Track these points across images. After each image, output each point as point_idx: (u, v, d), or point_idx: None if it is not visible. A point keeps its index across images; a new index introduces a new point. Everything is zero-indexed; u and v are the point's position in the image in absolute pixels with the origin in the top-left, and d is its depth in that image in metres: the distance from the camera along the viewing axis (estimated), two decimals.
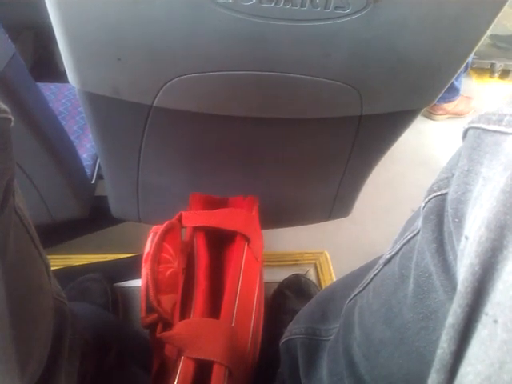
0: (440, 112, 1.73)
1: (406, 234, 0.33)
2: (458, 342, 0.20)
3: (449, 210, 0.25)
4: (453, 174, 0.26)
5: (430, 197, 0.28)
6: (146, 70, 0.48)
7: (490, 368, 0.17)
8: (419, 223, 0.30)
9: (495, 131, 0.22)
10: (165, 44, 0.45)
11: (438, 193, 0.27)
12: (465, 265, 0.20)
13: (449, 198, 0.26)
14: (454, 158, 0.27)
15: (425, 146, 1.62)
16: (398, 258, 0.34)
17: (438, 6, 0.43)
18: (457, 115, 1.75)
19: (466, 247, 0.22)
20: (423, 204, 0.29)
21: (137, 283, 0.79)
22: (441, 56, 0.49)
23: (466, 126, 0.25)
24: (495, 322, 0.18)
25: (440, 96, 0.57)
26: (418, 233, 0.31)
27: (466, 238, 0.22)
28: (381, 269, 0.36)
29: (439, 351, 0.21)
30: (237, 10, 0.41)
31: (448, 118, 1.75)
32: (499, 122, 0.22)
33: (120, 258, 0.83)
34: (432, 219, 0.28)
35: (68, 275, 0.75)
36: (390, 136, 0.67)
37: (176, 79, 0.48)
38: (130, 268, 0.79)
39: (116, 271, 0.79)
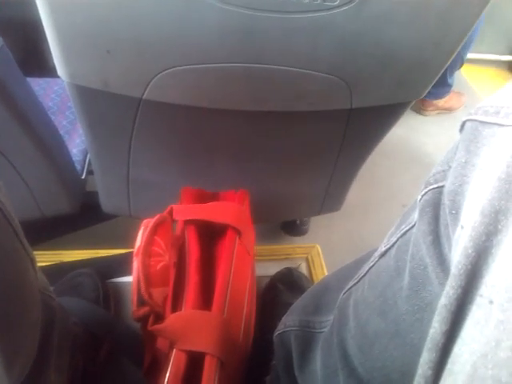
0: (431, 108, 1.74)
1: (402, 227, 0.33)
2: (450, 322, 0.20)
3: (446, 202, 0.25)
4: (450, 167, 0.26)
5: (426, 189, 0.28)
6: (135, 62, 0.48)
7: (485, 346, 0.18)
8: (415, 216, 0.30)
9: (492, 123, 0.22)
10: (154, 36, 0.44)
11: (435, 185, 0.27)
12: (458, 249, 0.21)
13: (446, 190, 0.26)
14: (451, 150, 0.27)
15: (416, 142, 1.63)
16: (393, 250, 0.34)
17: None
18: (448, 111, 1.75)
19: (460, 235, 0.22)
20: (419, 197, 0.29)
21: (128, 279, 0.79)
22: (429, 49, 0.49)
23: (464, 119, 0.25)
24: (491, 302, 0.18)
25: (431, 91, 0.58)
26: (414, 225, 0.31)
27: (462, 227, 0.22)
28: (376, 261, 0.36)
29: (431, 331, 0.21)
30: (226, 2, 0.41)
31: (439, 113, 1.76)
32: (496, 113, 0.22)
33: (112, 255, 0.82)
34: (428, 212, 0.28)
35: (59, 271, 0.75)
36: (379, 129, 0.67)
37: (165, 72, 0.48)
38: (122, 265, 0.78)
39: (107, 268, 0.79)
